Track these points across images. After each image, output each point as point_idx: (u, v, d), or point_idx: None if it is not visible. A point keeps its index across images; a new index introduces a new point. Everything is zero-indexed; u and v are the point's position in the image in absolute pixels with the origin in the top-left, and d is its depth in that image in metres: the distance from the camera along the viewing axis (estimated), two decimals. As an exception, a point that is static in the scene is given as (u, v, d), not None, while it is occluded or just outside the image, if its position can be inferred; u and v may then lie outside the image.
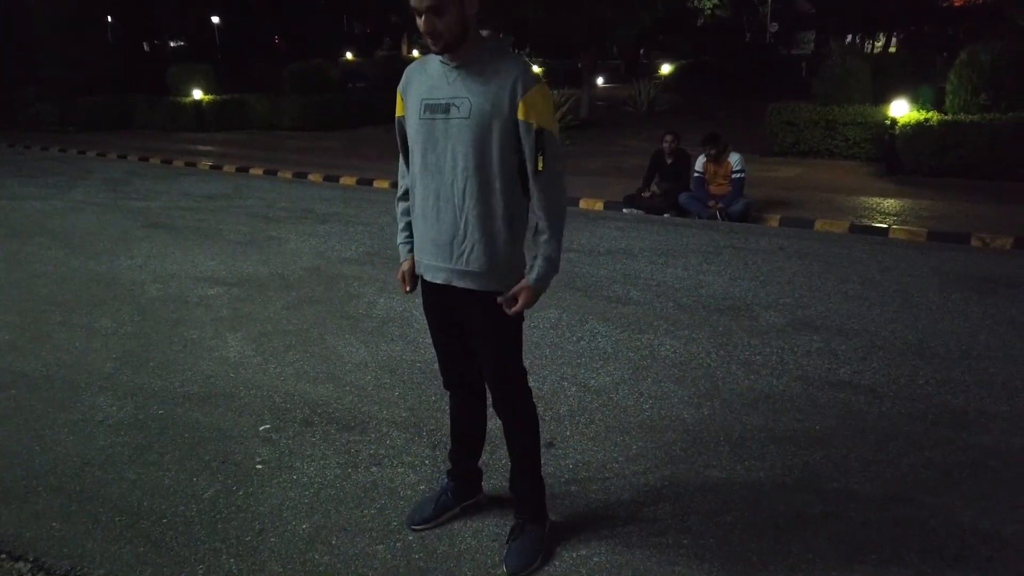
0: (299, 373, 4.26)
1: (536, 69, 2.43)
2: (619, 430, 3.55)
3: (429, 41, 2.30)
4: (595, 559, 2.65)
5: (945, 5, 27.69)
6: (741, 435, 3.47)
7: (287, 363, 4.40)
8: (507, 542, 2.69)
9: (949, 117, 9.98)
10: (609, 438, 3.47)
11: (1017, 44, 10.47)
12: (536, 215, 2.43)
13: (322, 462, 3.32)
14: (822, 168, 11.13)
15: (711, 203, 8.18)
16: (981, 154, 9.57)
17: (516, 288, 2.42)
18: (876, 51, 31.85)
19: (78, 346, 4.72)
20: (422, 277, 2.59)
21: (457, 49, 2.30)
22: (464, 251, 2.40)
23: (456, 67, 2.34)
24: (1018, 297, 5.35)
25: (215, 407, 3.86)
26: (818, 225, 7.77)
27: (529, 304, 2.43)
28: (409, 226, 2.64)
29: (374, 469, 3.26)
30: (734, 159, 8.09)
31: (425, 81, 2.42)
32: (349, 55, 36.72)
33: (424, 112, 2.39)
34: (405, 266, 2.66)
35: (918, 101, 10.77)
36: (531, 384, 2.70)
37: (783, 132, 12.14)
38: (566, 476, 3.16)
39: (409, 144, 2.49)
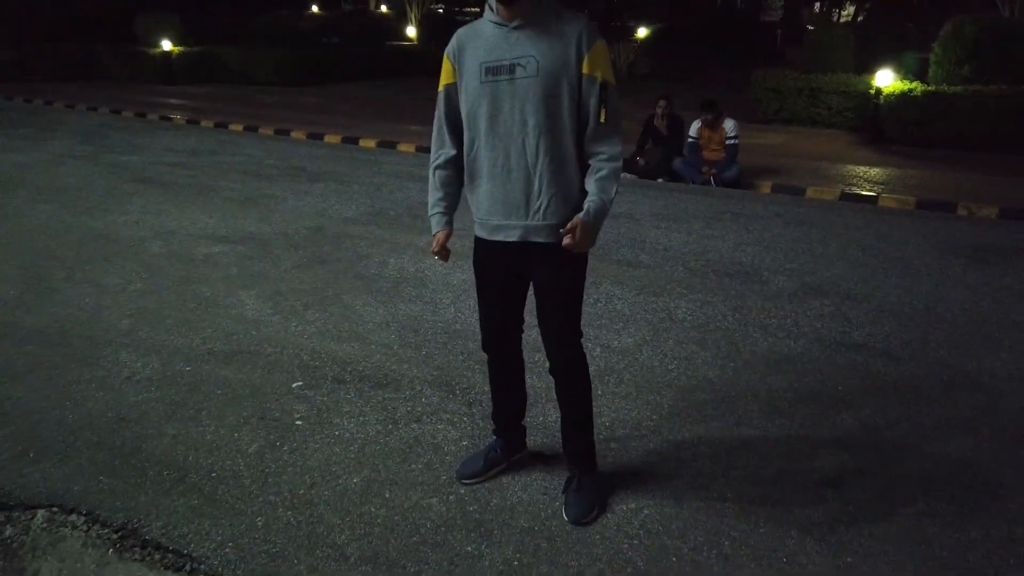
0: (322, 331, 4.25)
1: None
2: (649, 389, 3.63)
3: None
4: (645, 511, 2.74)
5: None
6: (768, 395, 3.59)
7: (307, 322, 4.38)
8: (563, 492, 2.77)
9: (933, 88, 10.16)
10: (640, 397, 3.56)
11: (998, 16, 10.66)
12: (594, 159, 2.44)
13: (361, 418, 3.35)
14: (806, 136, 11.28)
15: (705, 169, 8.25)
16: (964, 125, 9.78)
17: (572, 222, 2.36)
18: (843, 20, 31.97)
19: (88, 303, 4.63)
20: (484, 239, 2.59)
21: (519, 4, 2.32)
22: (540, 206, 2.43)
23: (516, 27, 2.36)
24: (1011, 266, 5.55)
25: (243, 364, 3.85)
26: (810, 192, 7.91)
27: (585, 241, 2.37)
28: (448, 196, 2.62)
29: (414, 425, 3.30)
30: (728, 125, 8.15)
31: (481, 45, 2.42)
32: (315, 8, 35.73)
33: (485, 75, 2.40)
34: (442, 237, 2.60)
35: (901, 70, 10.93)
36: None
37: (767, 99, 12.24)
38: (604, 433, 3.23)
39: (467, 110, 2.48)
